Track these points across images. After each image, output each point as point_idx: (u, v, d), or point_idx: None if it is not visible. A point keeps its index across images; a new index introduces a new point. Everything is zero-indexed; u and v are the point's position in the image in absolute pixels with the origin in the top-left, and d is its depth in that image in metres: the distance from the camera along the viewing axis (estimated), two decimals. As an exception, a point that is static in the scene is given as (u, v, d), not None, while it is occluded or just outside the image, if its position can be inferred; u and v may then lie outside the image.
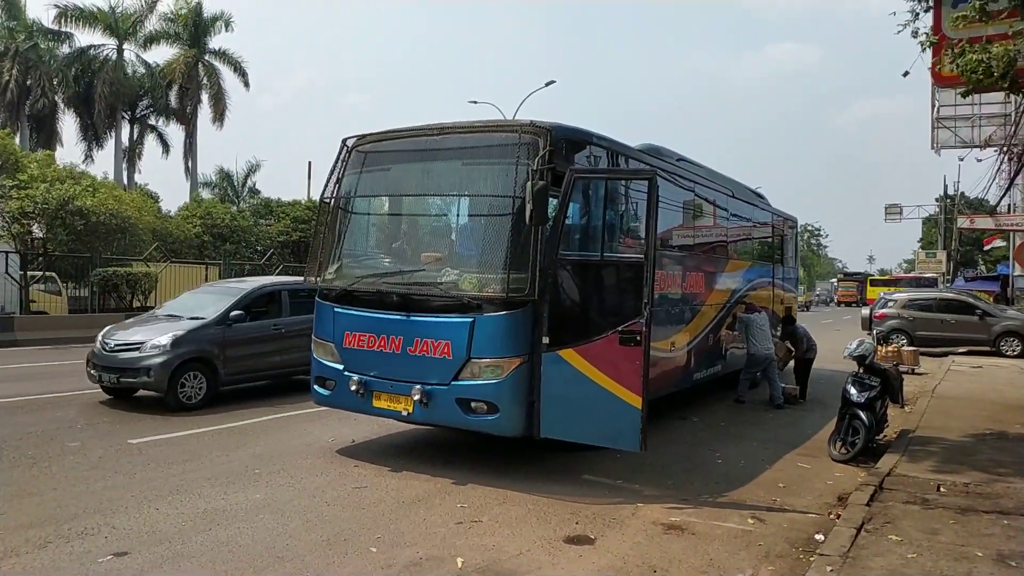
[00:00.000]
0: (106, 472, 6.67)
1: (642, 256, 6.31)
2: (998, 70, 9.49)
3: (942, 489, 6.42)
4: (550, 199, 6.26)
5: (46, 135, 36.79)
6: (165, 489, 6.18)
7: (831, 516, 5.92)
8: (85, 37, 37.20)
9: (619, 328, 6.16)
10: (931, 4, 12.64)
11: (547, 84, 32.05)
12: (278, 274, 26.56)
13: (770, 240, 14.21)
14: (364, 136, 7.63)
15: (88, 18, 35.74)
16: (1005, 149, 24.49)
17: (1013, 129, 21.00)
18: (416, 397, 6.67)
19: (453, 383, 6.58)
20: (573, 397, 6.31)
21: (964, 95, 12.13)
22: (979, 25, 10.55)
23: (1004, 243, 36.87)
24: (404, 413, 6.85)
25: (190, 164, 40.12)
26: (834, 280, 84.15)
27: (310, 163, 39.93)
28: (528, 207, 6.15)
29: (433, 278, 6.99)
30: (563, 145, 6.73)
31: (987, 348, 19.49)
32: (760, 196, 14.27)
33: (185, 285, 23.24)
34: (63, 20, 35.67)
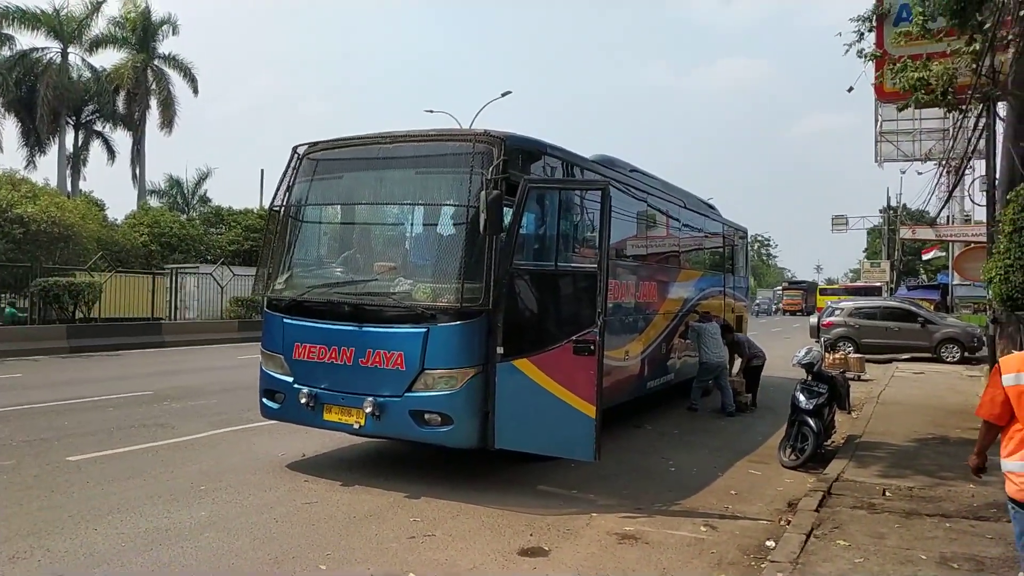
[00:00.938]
0: (42, 491, 6.38)
1: (596, 266, 6.34)
2: (939, 88, 9.86)
3: (887, 494, 6.57)
4: (504, 209, 6.25)
5: (-15, 141, 35.39)
6: (104, 508, 5.93)
7: (781, 522, 6.00)
8: (28, 39, 35.83)
9: (573, 337, 6.16)
10: (875, 24, 13.11)
11: (503, 95, 32.13)
12: (226, 284, 26.10)
13: (721, 250, 14.45)
14: (315, 143, 7.51)
15: (31, 20, 34.52)
16: (944, 163, 25.44)
17: (951, 144, 21.82)
18: (368, 409, 6.55)
19: (406, 395, 6.49)
20: (527, 407, 6.28)
21: (900, 110, 12.59)
22: (920, 43, 10.97)
23: (943, 253, 38.27)
24: (356, 426, 6.73)
25: (138, 171, 39.03)
26: (778, 288, 79.50)
27: (262, 171, 39.10)
28: (482, 217, 6.12)
29: (386, 288, 6.89)
30: (517, 155, 6.72)
31: (928, 355, 20.15)
32: (712, 207, 14.52)
33: (131, 295, 22.69)
34: (3, 21, 34.43)
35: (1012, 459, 3.81)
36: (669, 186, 11.75)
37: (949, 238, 30.85)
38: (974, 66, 10.47)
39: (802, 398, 8.21)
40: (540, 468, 7.23)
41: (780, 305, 67.68)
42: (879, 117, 28.65)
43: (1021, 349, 6.01)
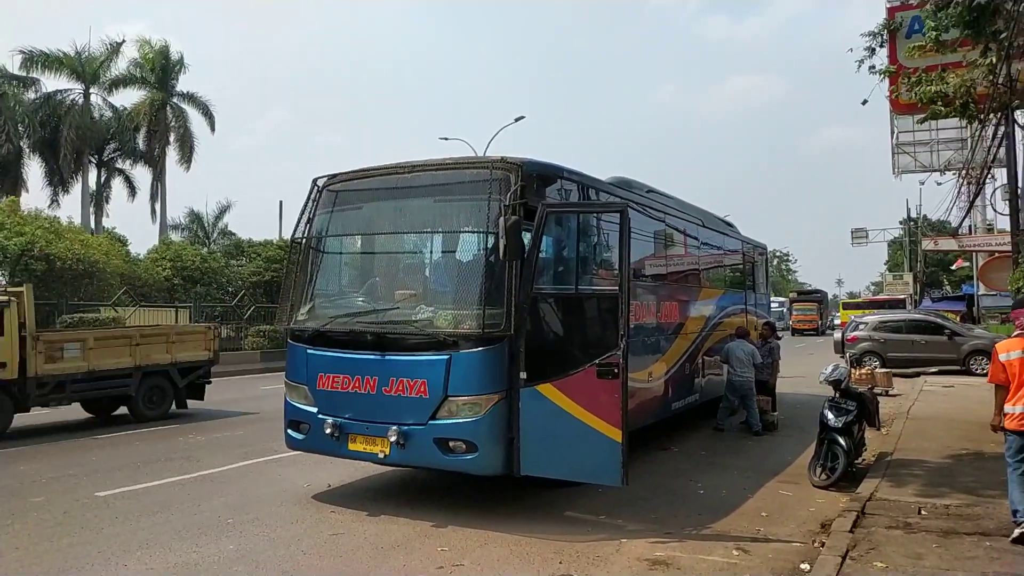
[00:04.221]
0: (72, 528, 6.42)
1: (616, 288, 6.32)
2: (958, 100, 9.79)
3: (923, 512, 6.42)
4: (523, 234, 6.27)
5: (11, 181, 36.13)
6: (133, 544, 5.95)
7: (815, 544, 5.88)
8: (51, 82, 36.76)
9: (596, 361, 6.13)
10: (886, 39, 13.09)
11: (516, 120, 32.35)
12: (249, 315, 26.30)
13: (741, 267, 14.36)
14: (335, 175, 7.60)
15: (54, 63, 35.44)
16: (964, 173, 25.20)
17: (970, 154, 21.63)
18: (393, 438, 6.54)
19: (430, 422, 6.47)
20: (552, 432, 6.24)
21: (920, 122, 12.52)
22: (934, 54, 10.91)
23: (968, 263, 37.76)
24: (381, 455, 6.71)
25: (159, 207, 39.71)
26: (784, 299, 58.37)
27: (281, 203, 39.84)
28: (501, 242, 6.13)
29: (407, 316, 6.91)
30: (534, 180, 6.75)
31: (957, 367, 19.78)
32: (730, 224, 14.46)
33: (154, 329, 22.89)
34: (29, 66, 35.38)
35: (1013, 405, 5.59)
36: (686, 205, 11.72)
37: (972, 248, 30.44)
38: (991, 76, 10.40)
39: (830, 416, 8.08)
40: (567, 494, 7.16)
41: (789, 322, 50.40)
42: (895, 128, 28.52)
43: None
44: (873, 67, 11.45)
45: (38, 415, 13.24)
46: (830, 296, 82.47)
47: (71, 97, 36.46)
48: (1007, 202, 14.36)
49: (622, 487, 6.26)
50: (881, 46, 12.11)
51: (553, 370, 6.32)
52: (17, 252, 19.55)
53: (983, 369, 19.35)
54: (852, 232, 51.44)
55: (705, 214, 12.58)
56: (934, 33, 10.19)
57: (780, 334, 13.19)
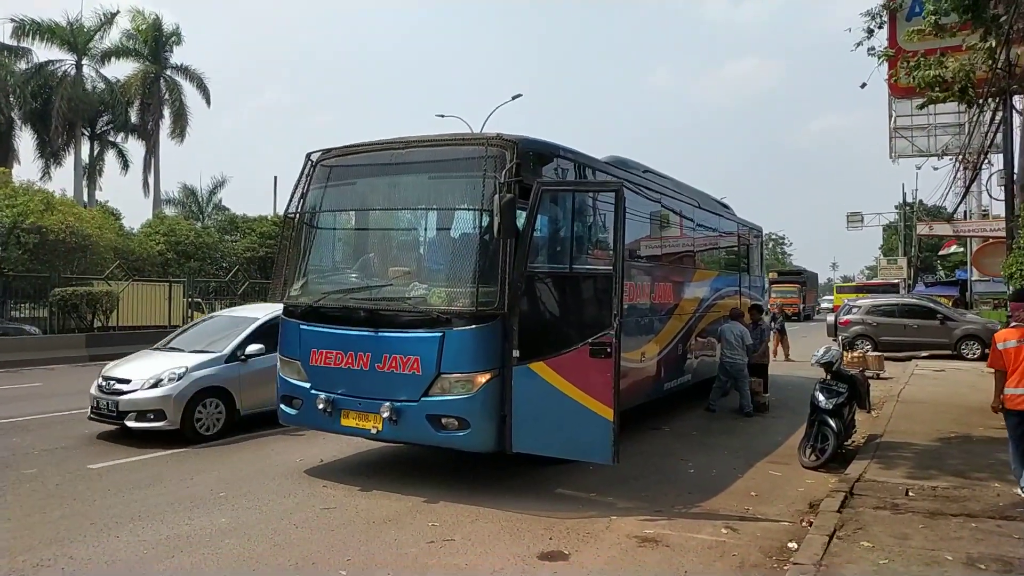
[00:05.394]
0: (64, 499, 6.44)
1: (611, 267, 6.31)
2: (957, 84, 9.73)
3: (911, 493, 6.49)
4: (518, 212, 6.24)
5: (2, 152, 35.83)
6: (126, 516, 5.97)
7: (803, 524, 5.94)
8: (43, 52, 36.25)
9: (589, 340, 6.13)
10: (885, 19, 12.97)
11: (514, 98, 32.28)
12: (243, 291, 26.23)
13: (736, 249, 14.36)
14: (328, 150, 7.53)
15: (46, 33, 34.93)
16: (960, 158, 25.18)
17: (967, 139, 21.59)
18: (385, 414, 6.56)
19: (423, 399, 6.48)
20: (544, 410, 6.25)
21: (920, 107, 12.45)
22: (933, 38, 10.82)
23: (961, 249, 37.84)
24: (373, 431, 6.74)
25: (152, 181, 39.40)
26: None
27: (276, 178, 39.50)
28: (496, 220, 6.11)
29: (401, 293, 6.90)
30: (530, 158, 6.71)
31: (948, 352, 19.91)
32: (725, 206, 14.43)
33: (148, 303, 22.86)
34: (20, 35, 34.88)
35: (1013, 388, 6.16)
36: (683, 186, 11.69)
37: (967, 233, 30.47)
38: (990, 61, 10.35)
39: (821, 397, 8.13)
40: (558, 471, 7.20)
41: (767, 306, 41.04)
42: (893, 112, 28.41)
43: None
44: (872, 49, 11.36)
45: (32, 387, 13.23)
46: (824, 279, 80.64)
47: (63, 68, 36.04)
48: (1003, 188, 14.34)
49: (613, 465, 6.30)
50: (880, 27, 12.01)
51: (546, 348, 6.32)
52: (9, 224, 19.41)
53: (974, 354, 19.51)
54: (847, 216, 51.41)
55: (701, 195, 12.55)
56: (933, 17, 10.10)
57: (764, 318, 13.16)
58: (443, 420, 6.45)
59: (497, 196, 6.14)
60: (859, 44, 11.39)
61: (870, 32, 11.49)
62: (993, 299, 32.30)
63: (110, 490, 6.72)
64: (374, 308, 6.87)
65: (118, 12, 36.83)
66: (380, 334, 6.69)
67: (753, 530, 5.84)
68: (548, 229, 7.08)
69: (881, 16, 11.99)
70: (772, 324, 18.94)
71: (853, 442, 8.70)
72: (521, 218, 6.32)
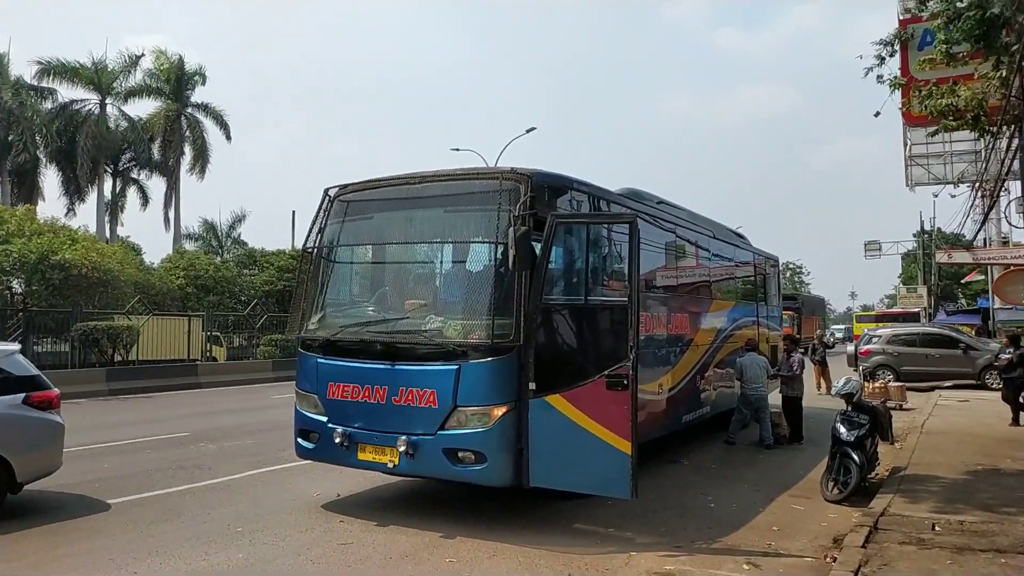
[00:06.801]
0: (84, 534, 6.45)
1: (626, 299, 6.31)
2: (970, 113, 9.71)
3: (937, 528, 6.35)
4: (533, 244, 6.28)
5: (27, 190, 36.64)
6: (144, 551, 5.97)
7: (827, 559, 5.82)
8: (68, 92, 37.27)
9: (606, 372, 6.11)
10: (896, 48, 13.00)
11: (528, 131, 32.52)
12: (261, 324, 26.39)
13: (753, 279, 14.30)
14: (346, 186, 7.65)
15: (71, 73, 35.94)
16: (977, 185, 25.01)
17: (984, 166, 21.47)
18: (402, 448, 6.54)
19: (439, 433, 6.47)
20: (562, 444, 6.22)
21: (932, 135, 12.42)
22: (945, 67, 10.84)
23: (982, 276, 37.40)
24: (390, 465, 6.72)
25: (173, 216, 40.08)
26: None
27: (294, 212, 40.17)
28: (511, 253, 6.15)
29: (417, 326, 6.93)
30: (544, 191, 6.77)
31: (972, 382, 19.56)
32: (741, 236, 14.42)
33: (168, 337, 23.07)
34: (46, 76, 35.88)
35: None
36: (697, 216, 11.70)
37: (987, 261, 30.11)
38: (1003, 89, 10.34)
39: (843, 429, 8.02)
40: (576, 506, 7.12)
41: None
42: (908, 140, 28.36)
43: None
44: (881, 77, 11.37)
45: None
46: (843, 308, 78.37)
47: (87, 107, 36.94)
48: (1022, 215, 14.22)
49: (632, 499, 6.23)
50: (891, 55, 12.03)
51: (562, 381, 6.31)
52: (35, 261, 19.75)
53: (999, 384, 19.14)
54: (865, 244, 51.06)
55: (716, 226, 12.55)
56: (945, 46, 10.13)
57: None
58: (460, 454, 6.43)
59: (512, 229, 6.19)
60: (869, 70, 11.40)
61: (881, 60, 11.51)
62: (1016, 327, 31.81)
63: (129, 525, 6.73)
64: (390, 341, 6.90)
65: (143, 55, 37.87)
66: (396, 367, 6.71)
67: (775, 566, 5.73)
68: (563, 261, 7.11)
69: (892, 45, 12.03)
70: (813, 356, 18.64)
71: (876, 475, 8.55)
72: (536, 250, 6.36)
